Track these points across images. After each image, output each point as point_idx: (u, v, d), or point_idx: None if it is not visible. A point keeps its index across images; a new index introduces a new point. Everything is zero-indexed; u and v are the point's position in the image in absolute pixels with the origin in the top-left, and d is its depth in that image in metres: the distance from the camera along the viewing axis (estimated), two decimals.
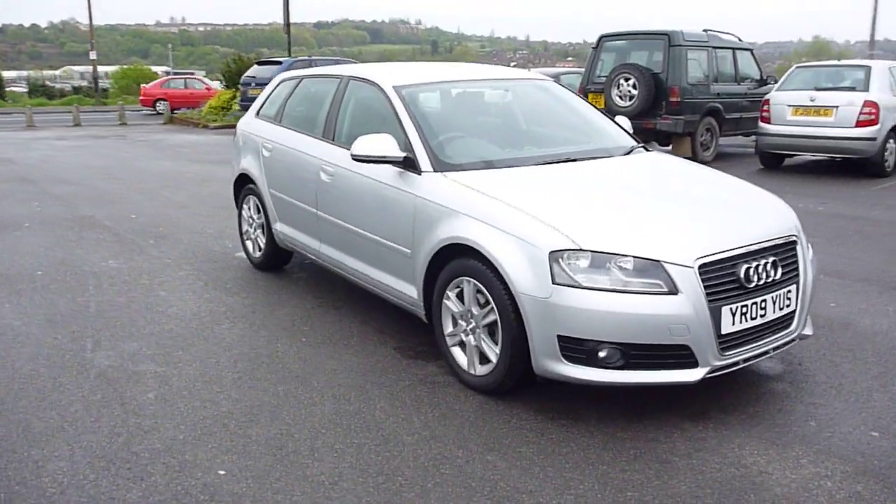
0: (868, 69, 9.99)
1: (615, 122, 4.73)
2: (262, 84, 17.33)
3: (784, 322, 3.42)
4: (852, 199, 8.62)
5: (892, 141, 9.90)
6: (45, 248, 6.39)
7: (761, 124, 10.57)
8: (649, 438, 3.13)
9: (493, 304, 3.35)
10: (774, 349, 3.41)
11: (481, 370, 3.52)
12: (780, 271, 3.35)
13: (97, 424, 3.25)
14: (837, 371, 3.81)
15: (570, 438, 3.13)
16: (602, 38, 12.26)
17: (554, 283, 3.11)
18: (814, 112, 9.92)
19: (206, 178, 10.54)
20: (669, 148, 11.59)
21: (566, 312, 3.09)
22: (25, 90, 42.22)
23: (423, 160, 3.83)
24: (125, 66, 51.48)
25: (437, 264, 3.67)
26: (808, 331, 3.64)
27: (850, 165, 10.61)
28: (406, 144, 3.93)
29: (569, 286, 3.09)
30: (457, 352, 3.67)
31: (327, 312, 4.71)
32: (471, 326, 3.55)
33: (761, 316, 3.28)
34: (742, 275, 3.19)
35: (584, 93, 11.91)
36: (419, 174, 3.81)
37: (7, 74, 50.53)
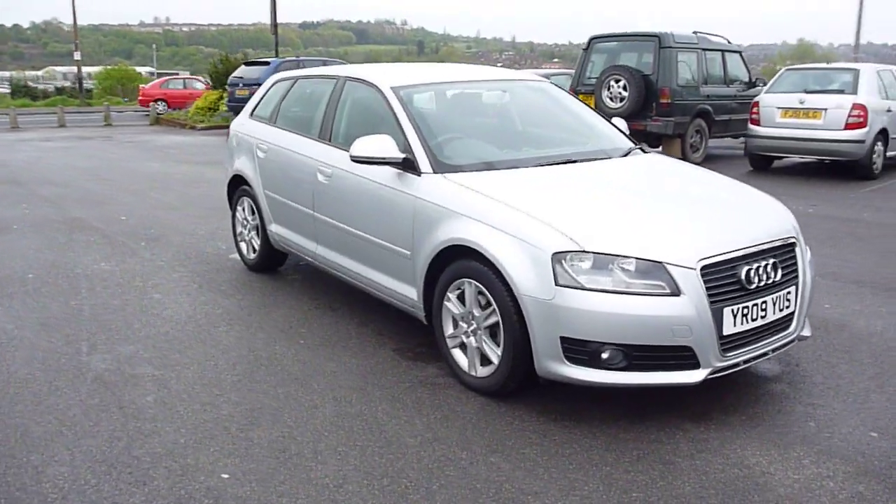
0: (856, 72, 10.09)
1: (612, 124, 4.74)
2: (249, 85, 17.30)
3: (783, 323, 3.44)
4: (842, 201, 8.69)
5: (879, 143, 10.01)
6: (35, 250, 6.33)
7: (751, 126, 10.65)
8: (652, 439, 3.14)
9: (494, 305, 3.35)
10: (774, 350, 3.43)
11: (482, 372, 3.51)
12: (780, 273, 3.37)
13: (96, 428, 3.22)
14: (834, 372, 3.84)
15: (573, 439, 3.14)
16: (592, 39, 12.30)
17: (557, 284, 3.11)
18: (803, 114, 10.00)
19: (195, 180, 10.47)
20: (660, 149, 11.64)
21: (569, 314, 3.09)
22: (8, 91, 41.80)
23: (423, 161, 3.83)
24: (109, 67, 51.14)
25: (438, 266, 3.66)
26: (806, 332, 3.66)
27: (838, 168, 10.71)
28: (405, 146, 3.92)
29: (572, 287, 3.10)
30: (457, 353, 3.66)
31: (324, 314, 4.69)
32: (472, 328, 3.54)
33: (762, 317, 3.29)
34: (743, 276, 3.21)
35: (574, 94, 11.91)
36: (419, 175, 3.81)
37: None
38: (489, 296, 3.37)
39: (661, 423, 3.27)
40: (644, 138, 11.47)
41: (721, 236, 3.30)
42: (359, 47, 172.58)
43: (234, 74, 18.52)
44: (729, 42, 12.67)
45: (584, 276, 3.11)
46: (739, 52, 12.85)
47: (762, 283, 3.28)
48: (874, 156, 9.95)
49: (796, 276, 3.51)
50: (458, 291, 3.58)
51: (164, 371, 3.83)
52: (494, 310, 3.36)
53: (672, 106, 11.03)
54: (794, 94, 10.26)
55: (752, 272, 3.24)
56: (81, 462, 2.95)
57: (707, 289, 3.11)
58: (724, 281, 3.18)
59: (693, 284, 3.09)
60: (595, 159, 4.16)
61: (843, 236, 6.88)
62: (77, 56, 32.88)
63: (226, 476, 2.85)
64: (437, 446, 3.08)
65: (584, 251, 3.12)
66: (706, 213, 3.58)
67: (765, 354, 3.39)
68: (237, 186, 5.70)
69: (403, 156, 3.86)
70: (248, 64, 19.01)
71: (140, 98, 27.46)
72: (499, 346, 3.39)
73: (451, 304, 3.62)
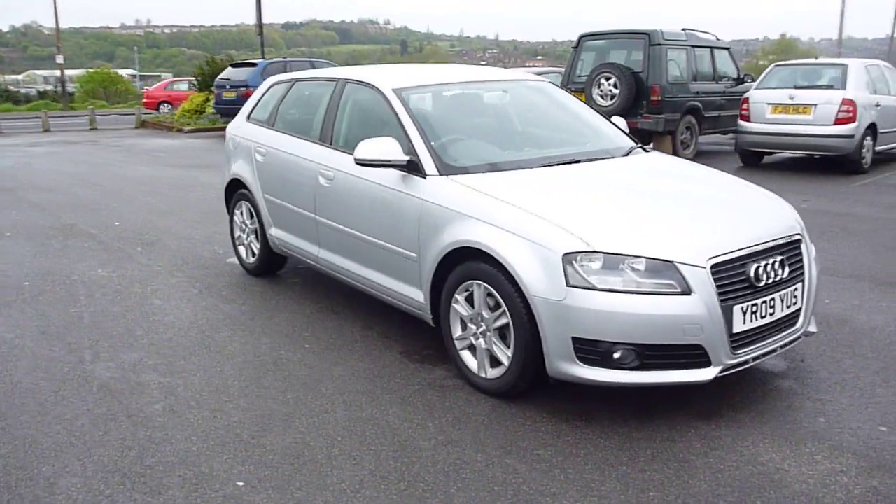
0: (845, 68, 10.17)
1: (612, 123, 4.75)
2: (236, 87, 17.20)
3: (791, 320, 3.47)
4: (833, 196, 8.76)
5: (868, 138, 10.10)
6: (29, 257, 6.26)
7: (741, 122, 10.71)
8: (664, 438, 3.15)
9: (504, 307, 3.34)
10: (781, 347, 3.45)
11: (492, 373, 3.51)
12: (787, 270, 3.39)
13: (106, 438, 3.19)
14: (840, 367, 3.87)
15: (587, 440, 3.14)
16: (582, 37, 12.33)
17: (568, 285, 3.12)
18: (793, 110, 10.07)
19: (186, 183, 10.40)
20: (650, 146, 11.68)
21: (581, 314, 3.10)
22: None
23: (428, 163, 3.82)
24: (91, 70, 50.70)
25: (445, 268, 3.66)
26: (812, 328, 3.68)
27: (827, 162, 10.80)
28: (409, 148, 3.91)
29: (583, 288, 3.10)
30: (466, 355, 3.66)
31: (327, 318, 4.68)
32: (481, 330, 3.54)
33: (770, 314, 3.31)
34: (752, 274, 3.23)
35: None
36: (424, 178, 3.80)
37: None
38: (498, 297, 3.37)
39: (672, 422, 3.29)
40: (635, 135, 11.51)
41: (729, 235, 3.31)
42: (342, 47, 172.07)
43: (220, 76, 18.38)
44: (717, 39, 12.74)
45: (595, 277, 3.11)
46: (728, 49, 12.93)
47: (770, 281, 3.30)
48: (863, 150, 10.03)
49: (802, 273, 3.54)
50: (467, 293, 3.57)
51: (170, 378, 3.80)
52: (504, 311, 3.36)
53: (662, 103, 11.08)
54: (784, 89, 10.33)
55: (761, 270, 3.25)
56: (94, 472, 2.92)
57: (717, 287, 3.12)
58: (734, 279, 3.20)
59: (703, 283, 3.10)
60: (598, 159, 4.17)
61: (837, 231, 6.93)
62: (60, 59, 32.55)
63: (241, 484, 2.84)
64: (451, 449, 3.07)
65: (594, 251, 3.13)
66: (713, 212, 3.60)
67: (773, 351, 3.41)
68: (235, 190, 5.66)
69: (408, 158, 3.85)
70: (234, 66, 18.86)
71: (144, 101, 27.30)
72: (509, 347, 3.39)
73: (460, 306, 3.61)
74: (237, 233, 5.72)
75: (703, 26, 14.07)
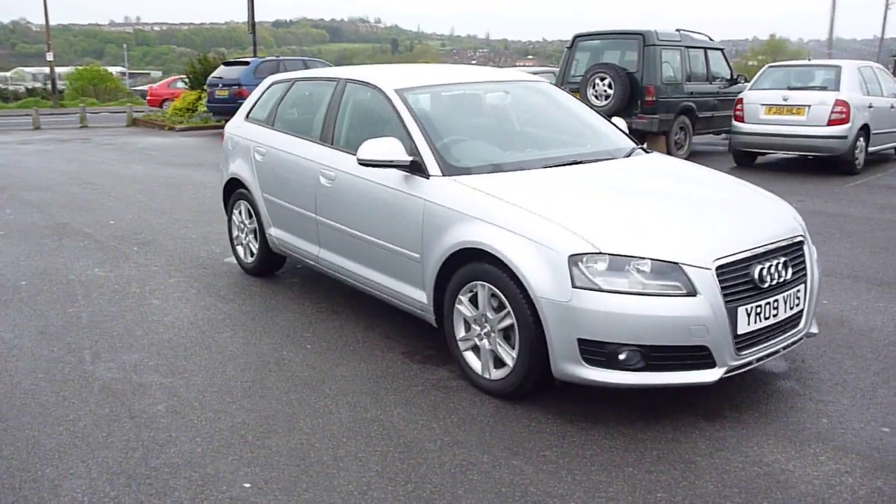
0: (839, 69, 10.23)
1: (612, 124, 4.76)
2: (229, 85, 17.14)
3: (793, 321, 3.48)
4: (828, 196, 8.81)
5: (861, 139, 10.16)
6: (25, 257, 6.22)
7: (735, 123, 10.76)
8: (669, 439, 3.16)
9: (509, 308, 3.34)
10: (784, 348, 3.47)
11: (496, 374, 3.51)
12: (790, 271, 3.40)
13: (110, 439, 3.17)
14: (840, 368, 3.89)
15: (592, 441, 3.15)
16: (576, 37, 12.35)
17: (574, 286, 3.12)
18: (787, 111, 10.12)
19: (180, 182, 10.35)
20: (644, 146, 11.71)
21: (586, 316, 3.10)
22: None
23: (431, 164, 3.81)
24: (80, 67, 50.40)
25: (449, 269, 3.65)
26: (814, 329, 3.70)
27: (820, 163, 10.86)
28: (412, 148, 3.90)
29: (589, 289, 3.11)
30: (470, 356, 3.66)
31: (328, 318, 4.66)
32: (485, 331, 3.54)
33: (774, 316, 3.33)
34: (756, 275, 3.24)
35: None
36: (427, 178, 3.79)
37: None
38: (503, 298, 3.37)
39: (677, 423, 3.30)
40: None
41: (734, 236, 3.32)
42: (332, 45, 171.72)
43: (213, 75, 18.28)
44: (711, 39, 12.79)
45: (601, 278, 3.12)
46: (721, 50, 12.98)
47: (774, 282, 3.31)
48: (856, 151, 10.10)
49: (805, 274, 3.56)
50: (471, 294, 3.57)
51: (172, 379, 3.78)
52: (509, 312, 3.36)
53: (657, 103, 11.11)
54: (778, 90, 10.38)
55: (765, 271, 3.27)
56: (98, 474, 2.90)
57: (722, 288, 3.13)
58: (738, 280, 3.21)
59: (709, 284, 3.11)
60: (600, 160, 4.17)
61: (833, 231, 6.97)
62: (50, 57, 32.32)
63: (248, 485, 2.83)
64: (457, 450, 3.07)
65: (600, 253, 3.13)
66: (717, 214, 3.61)
67: (777, 352, 3.42)
68: (233, 190, 5.64)
69: (411, 159, 3.84)
70: (227, 64, 18.78)
71: (148, 98, 27.08)
72: (513, 348, 3.39)
73: (463, 307, 3.61)
74: (235, 232, 5.70)
75: (689, 26, 14.14)
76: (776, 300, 3.33)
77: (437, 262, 3.67)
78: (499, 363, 3.50)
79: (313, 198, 4.57)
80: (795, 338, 3.50)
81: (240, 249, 5.68)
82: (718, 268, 3.15)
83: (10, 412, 3.44)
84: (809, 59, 12.94)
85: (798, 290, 3.48)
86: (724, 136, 13.35)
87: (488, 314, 3.49)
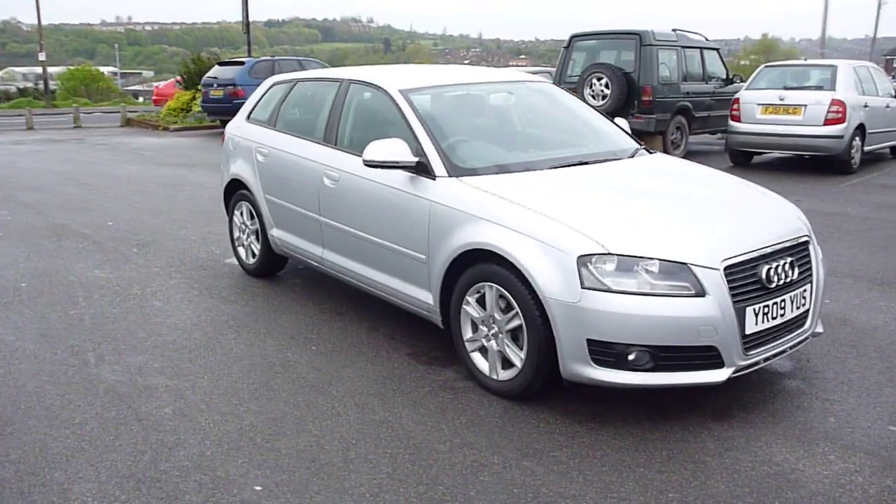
0: (834, 69, 10.28)
1: (615, 124, 4.77)
2: (224, 85, 17.07)
3: (800, 321, 3.50)
4: (825, 196, 8.85)
5: (857, 138, 10.20)
6: (24, 258, 6.18)
7: (731, 123, 10.79)
8: (678, 439, 3.17)
9: (517, 309, 3.34)
10: (791, 348, 3.48)
11: (504, 375, 3.51)
12: (797, 271, 3.42)
13: (118, 443, 3.16)
14: (845, 367, 3.90)
15: (602, 441, 3.15)
16: (573, 37, 12.36)
17: (583, 287, 3.12)
18: (783, 111, 10.16)
19: (176, 183, 10.31)
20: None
21: (595, 316, 3.10)
22: None
23: (438, 165, 3.81)
24: (72, 67, 50.20)
25: (455, 270, 3.65)
26: (819, 329, 3.72)
27: (816, 162, 10.90)
28: (417, 149, 3.90)
29: (598, 290, 3.11)
30: (477, 357, 3.66)
31: (332, 319, 4.65)
32: (493, 331, 3.54)
33: (781, 315, 3.34)
34: (763, 275, 3.25)
35: None
36: (433, 179, 3.79)
37: None
38: (511, 299, 3.37)
39: (685, 423, 3.30)
40: None
41: (741, 236, 3.33)
42: (325, 45, 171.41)
43: (207, 74, 18.19)
44: (706, 39, 12.82)
45: (610, 279, 3.12)
46: (717, 50, 13.02)
47: (781, 282, 3.32)
48: (852, 150, 10.14)
49: (811, 274, 3.57)
50: (478, 295, 3.57)
51: (177, 381, 3.77)
52: (517, 313, 3.36)
53: (654, 103, 11.14)
54: (774, 90, 10.42)
55: (772, 271, 3.28)
56: (107, 478, 2.89)
57: (730, 289, 3.14)
58: (746, 280, 3.22)
59: (717, 285, 3.12)
60: (605, 160, 4.18)
61: (831, 231, 7.00)
62: (42, 56, 32.15)
63: (258, 488, 2.82)
64: (467, 451, 3.07)
65: (609, 253, 3.13)
66: (724, 214, 3.62)
67: (783, 352, 3.44)
68: (234, 191, 5.62)
69: (417, 159, 3.84)
70: (221, 64, 18.70)
71: (154, 98, 26.97)
72: (521, 349, 3.40)
73: (471, 308, 3.61)
74: (236, 233, 5.68)
75: (680, 26, 14.12)
76: (783, 300, 3.34)
77: (444, 263, 3.66)
78: (506, 364, 3.50)
79: (317, 199, 4.56)
80: (802, 337, 3.52)
81: (241, 250, 5.66)
82: (726, 268, 3.16)
83: (15, 415, 3.42)
84: (805, 59, 12.99)
85: (804, 290, 3.49)
86: (720, 135, 13.41)
87: (496, 315, 3.49)
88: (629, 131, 4.80)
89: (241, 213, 5.55)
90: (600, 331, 3.11)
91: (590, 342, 3.14)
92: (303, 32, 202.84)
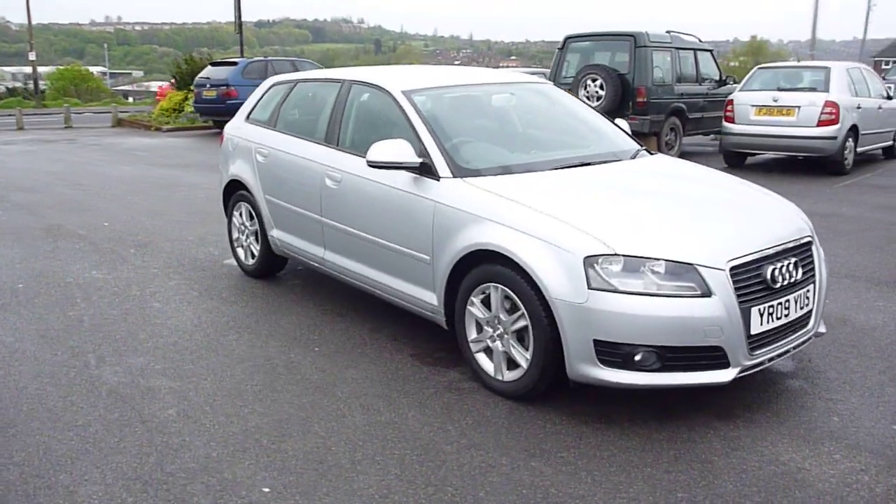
0: (828, 70, 10.34)
1: (616, 125, 4.78)
2: (217, 85, 17.01)
3: (803, 321, 3.51)
4: (818, 197, 8.89)
5: (850, 140, 10.27)
6: (20, 259, 6.14)
7: (725, 124, 10.84)
8: (685, 439, 3.18)
9: (523, 310, 3.34)
10: (794, 347, 3.50)
11: (509, 376, 3.51)
12: (800, 271, 3.43)
13: (122, 445, 3.14)
14: (846, 367, 3.93)
15: (609, 441, 3.15)
16: (567, 38, 12.38)
17: (590, 287, 3.12)
18: (777, 112, 10.21)
19: (171, 183, 10.27)
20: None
21: (602, 317, 3.11)
22: None
23: (441, 166, 3.81)
24: (61, 67, 49.97)
25: (460, 270, 3.65)
26: (822, 329, 3.74)
27: (810, 163, 10.96)
28: (421, 150, 3.89)
29: (604, 291, 3.11)
30: (482, 358, 3.65)
31: (334, 320, 4.64)
32: (498, 332, 3.53)
33: (785, 316, 3.36)
34: (768, 276, 3.26)
35: None
36: (437, 180, 3.78)
37: None
38: (517, 300, 3.37)
39: (691, 423, 3.31)
40: None
41: (746, 237, 3.35)
42: (315, 46, 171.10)
43: (200, 75, 18.13)
44: (700, 41, 12.87)
45: (616, 279, 3.12)
46: (710, 51, 13.07)
47: (786, 283, 3.34)
48: (846, 151, 10.20)
49: (814, 275, 3.59)
50: (483, 296, 3.57)
51: (180, 383, 3.75)
52: (523, 314, 3.36)
53: (648, 104, 11.17)
54: (768, 91, 10.47)
55: (777, 272, 3.29)
56: (113, 480, 2.87)
57: (736, 289, 3.15)
58: (752, 281, 3.23)
59: (723, 285, 3.13)
60: (608, 161, 4.19)
61: (826, 232, 7.03)
62: (32, 56, 31.96)
63: (267, 490, 2.81)
64: (475, 452, 3.07)
65: (615, 254, 3.14)
66: (728, 214, 3.64)
67: (787, 352, 3.45)
68: (233, 191, 5.59)
69: (420, 160, 3.83)
70: (214, 64, 18.64)
71: (158, 97, 26.81)
72: (527, 349, 3.40)
73: (475, 309, 3.61)
74: (236, 234, 5.66)
75: (666, 28, 14.18)
76: (787, 300, 3.35)
77: (449, 264, 3.66)
78: (511, 364, 3.50)
79: (318, 199, 4.55)
80: (805, 337, 3.53)
81: (240, 251, 5.64)
82: (732, 268, 3.17)
83: (17, 417, 3.39)
84: (798, 61, 13.06)
85: (808, 291, 3.51)
86: (713, 136, 13.44)
87: (501, 316, 3.49)
88: (629, 132, 4.81)
89: (241, 214, 5.53)
90: (607, 331, 3.12)
91: (596, 343, 3.14)
92: (293, 33, 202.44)
